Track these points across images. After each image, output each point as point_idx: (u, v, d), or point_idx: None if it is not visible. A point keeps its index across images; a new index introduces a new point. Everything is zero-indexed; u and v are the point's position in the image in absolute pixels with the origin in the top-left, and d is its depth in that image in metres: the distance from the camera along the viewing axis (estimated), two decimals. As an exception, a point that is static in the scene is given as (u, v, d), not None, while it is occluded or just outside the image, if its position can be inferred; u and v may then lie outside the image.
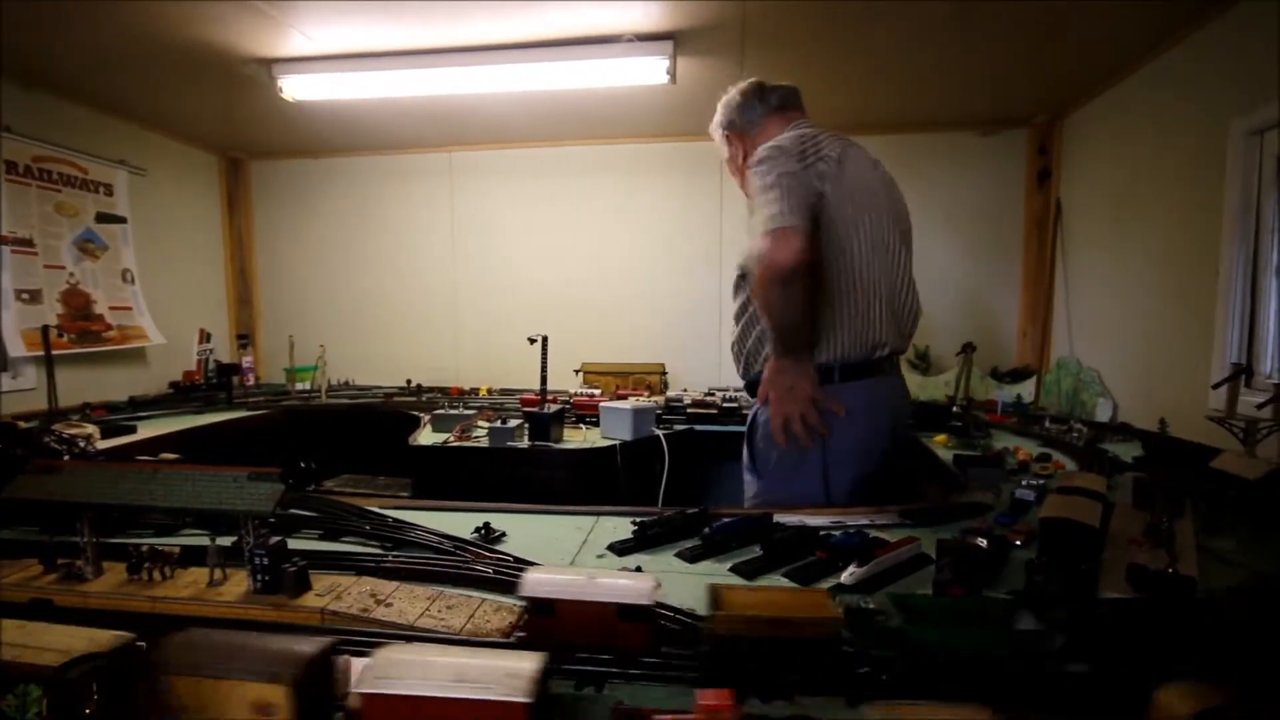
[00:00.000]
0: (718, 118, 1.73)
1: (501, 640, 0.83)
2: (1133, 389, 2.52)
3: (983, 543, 1.09)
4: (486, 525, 1.28)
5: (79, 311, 2.98)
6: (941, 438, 2.25)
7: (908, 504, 1.46)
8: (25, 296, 2.75)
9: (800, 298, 1.40)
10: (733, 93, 1.70)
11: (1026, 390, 3.09)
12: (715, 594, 0.78)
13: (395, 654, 0.63)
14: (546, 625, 0.76)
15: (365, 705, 0.59)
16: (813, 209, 1.42)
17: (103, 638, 0.67)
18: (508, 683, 0.58)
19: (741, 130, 1.68)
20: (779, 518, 1.32)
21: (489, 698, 0.57)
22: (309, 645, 0.64)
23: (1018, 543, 1.20)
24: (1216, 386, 1.84)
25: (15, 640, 0.65)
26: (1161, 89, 2.40)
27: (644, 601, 0.74)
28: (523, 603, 0.82)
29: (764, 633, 0.72)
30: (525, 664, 0.61)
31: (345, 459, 3.34)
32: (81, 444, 1.97)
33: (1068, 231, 3.11)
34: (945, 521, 1.35)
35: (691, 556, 1.17)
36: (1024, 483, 1.50)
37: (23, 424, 2.25)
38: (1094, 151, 2.92)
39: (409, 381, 3.67)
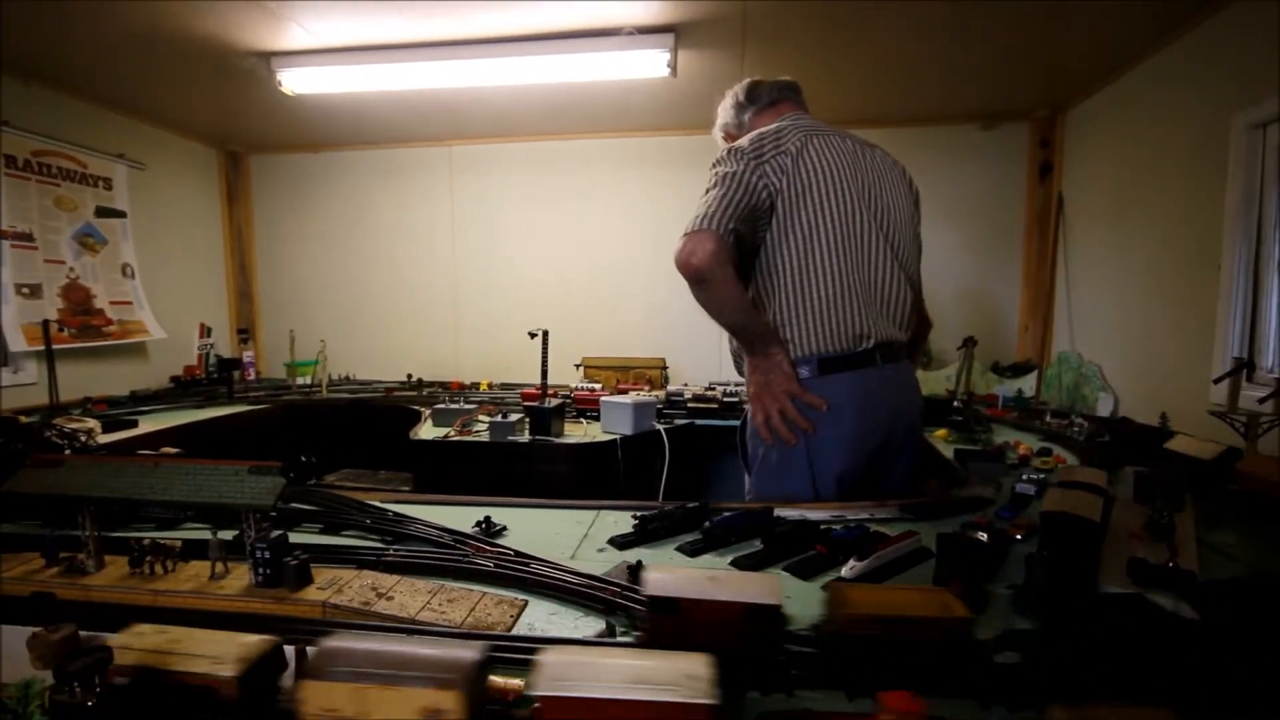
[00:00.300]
0: (716, 122, 1.75)
1: (632, 641, 0.82)
2: (1134, 383, 2.52)
3: (983, 537, 1.10)
4: (487, 519, 1.28)
5: (79, 306, 2.98)
6: (942, 432, 2.26)
7: (908, 498, 1.46)
8: (25, 291, 2.75)
9: (721, 296, 1.42)
10: (727, 96, 1.71)
11: (1027, 385, 3.09)
12: (837, 592, 0.75)
13: (566, 656, 0.62)
14: (670, 625, 0.74)
15: (546, 708, 0.58)
16: (755, 208, 1.43)
17: (250, 641, 0.66)
18: (691, 684, 0.57)
19: (735, 133, 1.69)
20: (779, 512, 1.32)
21: (674, 699, 0.56)
22: (472, 651, 0.63)
23: (1018, 537, 1.20)
24: (1218, 381, 1.84)
25: (160, 646, 0.64)
26: (1164, 83, 2.39)
27: (772, 601, 0.73)
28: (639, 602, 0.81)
29: (898, 633, 0.70)
30: (699, 665, 0.60)
31: (346, 453, 3.35)
32: (82, 438, 1.98)
33: (1069, 225, 3.10)
34: (946, 516, 1.35)
35: (692, 550, 1.17)
36: (1024, 477, 1.50)
37: (24, 418, 2.25)
38: (1096, 145, 2.91)
39: (409, 376, 3.67)
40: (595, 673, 0.59)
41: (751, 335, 1.50)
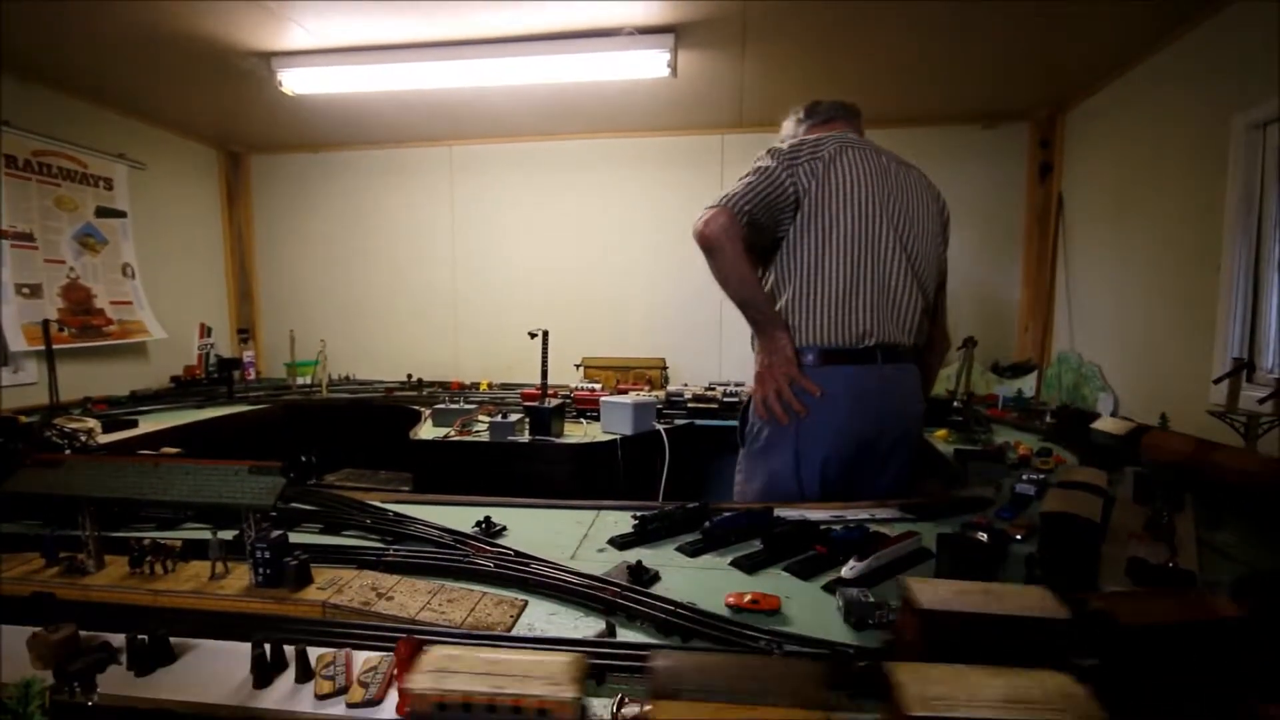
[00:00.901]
0: (779, 135, 1.86)
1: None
2: (1134, 384, 2.52)
3: (983, 537, 1.10)
4: (487, 519, 1.28)
5: (79, 306, 2.98)
6: (942, 432, 2.26)
7: (907, 499, 1.46)
8: (26, 291, 2.75)
9: (728, 267, 1.52)
10: (790, 112, 1.83)
11: (1027, 385, 3.08)
12: (1115, 605, 0.72)
13: (924, 673, 0.59)
14: (943, 639, 0.70)
15: None
16: (777, 201, 1.53)
17: (569, 660, 0.65)
18: (1075, 707, 0.55)
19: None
20: (779, 512, 1.32)
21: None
22: (817, 665, 0.62)
23: (1018, 537, 1.20)
24: (1218, 381, 1.84)
25: (481, 668, 0.62)
26: (1164, 82, 2.38)
27: (1061, 615, 0.69)
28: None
29: (1195, 642, 0.68)
30: (1069, 685, 0.57)
31: (346, 453, 3.35)
32: (82, 438, 1.98)
33: (1069, 225, 3.10)
34: (946, 516, 1.35)
35: (692, 551, 1.17)
36: (1024, 477, 1.50)
37: (24, 418, 2.25)
38: (1096, 145, 2.91)
39: (409, 376, 3.67)
40: (968, 692, 0.56)
41: (757, 314, 1.59)
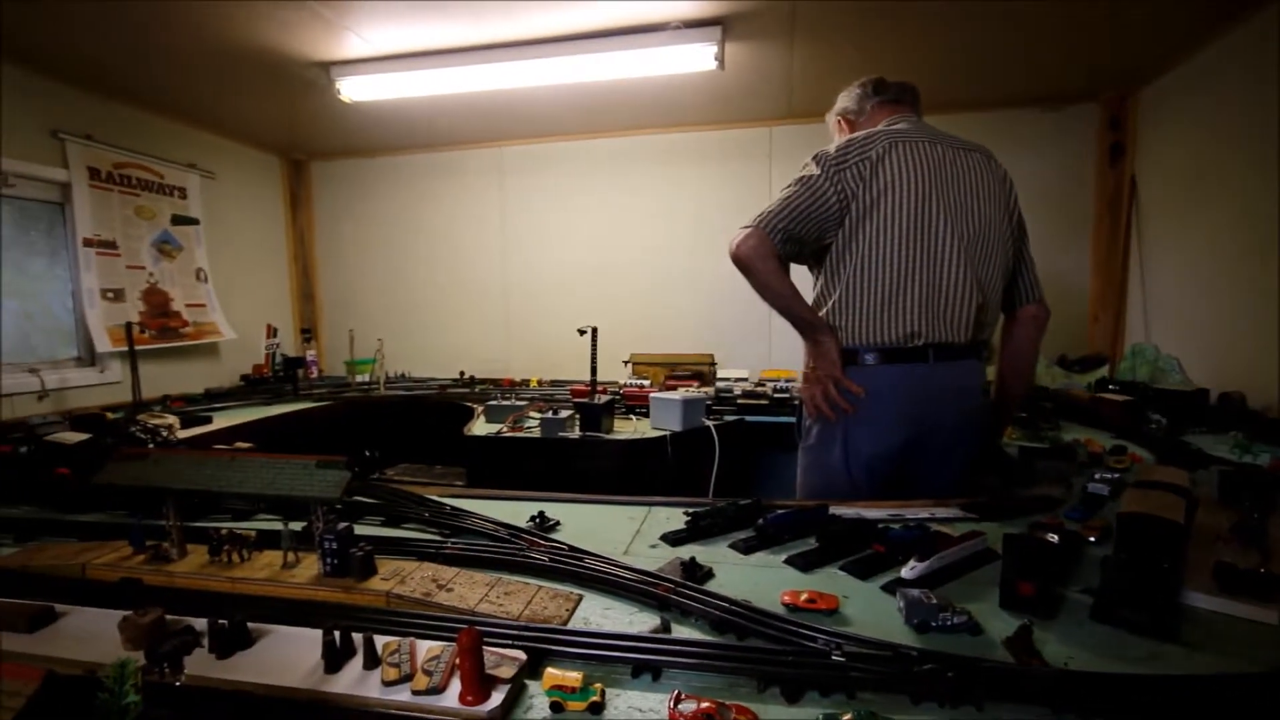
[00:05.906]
0: (835, 106, 1.83)
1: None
2: (1214, 378, 2.36)
3: (1053, 538, 1.05)
4: (541, 514, 1.30)
5: (158, 309, 3.16)
6: (1007, 429, 2.16)
7: (969, 498, 1.41)
8: (110, 295, 2.93)
9: (762, 283, 1.55)
10: (854, 85, 1.80)
11: (1098, 379, 2.93)
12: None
13: None
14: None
15: None
16: (819, 213, 1.53)
17: None
18: None
19: (852, 118, 1.78)
20: (835, 509, 1.30)
21: None
22: None
23: (1091, 539, 1.14)
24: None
25: None
26: (1246, 56, 2.22)
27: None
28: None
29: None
30: None
31: (402, 449, 3.45)
32: (164, 433, 2.10)
33: (1143, 210, 2.93)
34: (1011, 516, 1.30)
35: (745, 548, 1.16)
36: (1097, 476, 1.43)
37: (110, 415, 2.41)
38: (1173, 125, 2.74)
39: (462, 373, 3.75)
40: None
41: (799, 322, 1.61)
